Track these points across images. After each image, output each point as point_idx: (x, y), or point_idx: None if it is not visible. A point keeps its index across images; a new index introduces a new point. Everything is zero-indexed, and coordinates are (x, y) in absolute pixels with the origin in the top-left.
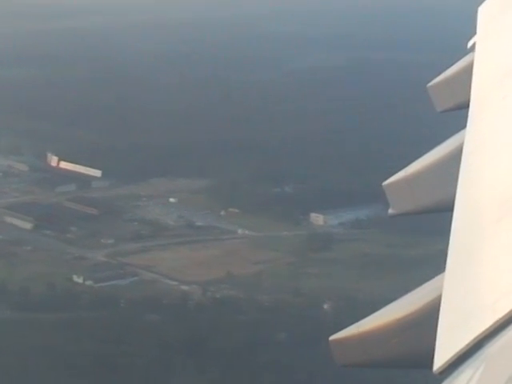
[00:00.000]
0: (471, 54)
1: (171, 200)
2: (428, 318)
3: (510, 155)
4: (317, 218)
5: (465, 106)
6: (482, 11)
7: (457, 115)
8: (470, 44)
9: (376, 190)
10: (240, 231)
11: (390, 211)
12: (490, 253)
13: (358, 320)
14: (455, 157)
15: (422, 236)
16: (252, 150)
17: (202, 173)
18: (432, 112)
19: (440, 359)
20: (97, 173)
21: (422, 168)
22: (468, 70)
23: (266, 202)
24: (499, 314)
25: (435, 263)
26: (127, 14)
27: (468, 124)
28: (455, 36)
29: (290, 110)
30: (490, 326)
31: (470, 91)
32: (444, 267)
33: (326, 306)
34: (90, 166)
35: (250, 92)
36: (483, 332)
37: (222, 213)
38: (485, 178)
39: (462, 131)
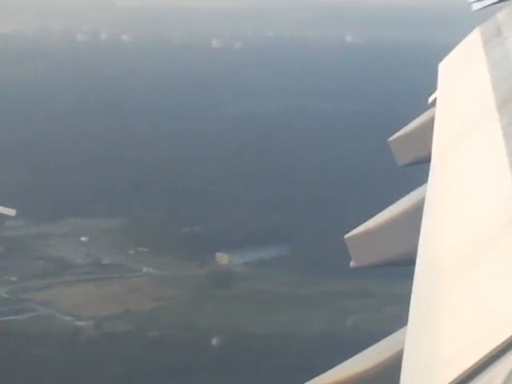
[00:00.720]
0: (432, 109)
1: (82, 239)
2: (390, 372)
3: (470, 210)
4: (222, 258)
5: (426, 160)
6: (443, 67)
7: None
8: (430, 99)
9: (282, 232)
10: (145, 269)
11: (352, 264)
12: (451, 306)
13: (240, 352)
14: (417, 211)
15: (319, 276)
16: (167, 191)
17: (117, 212)
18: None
19: None
20: (11, 212)
21: (383, 221)
22: (429, 125)
23: (174, 242)
24: (461, 368)
25: (321, 300)
26: None
27: (429, 178)
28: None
29: (210, 154)
30: (453, 381)
31: (431, 146)
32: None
33: (214, 341)
34: (4, 205)
35: (173, 137)
36: None
37: (131, 251)
38: (447, 232)
39: (424, 185)
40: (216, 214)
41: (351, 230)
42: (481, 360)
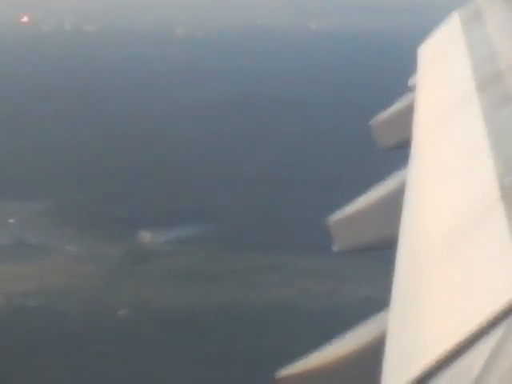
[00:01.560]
0: (412, 92)
1: (10, 221)
2: (372, 355)
3: (450, 194)
4: (145, 236)
5: (407, 144)
6: (422, 51)
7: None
8: (410, 83)
9: (208, 212)
10: (67, 249)
11: (334, 248)
12: (433, 289)
13: (142, 323)
14: (398, 194)
15: (238, 253)
16: (97, 175)
17: (48, 195)
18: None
19: None
20: None
21: (365, 205)
22: (409, 109)
23: (100, 222)
24: (443, 350)
25: (234, 275)
26: None
27: (410, 162)
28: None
29: (147, 138)
30: (436, 362)
31: (411, 130)
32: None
33: (120, 313)
34: None
35: (111, 122)
36: (427, 368)
37: (57, 232)
38: (427, 216)
39: (404, 169)
40: (143, 195)
41: (277, 209)
42: (463, 341)
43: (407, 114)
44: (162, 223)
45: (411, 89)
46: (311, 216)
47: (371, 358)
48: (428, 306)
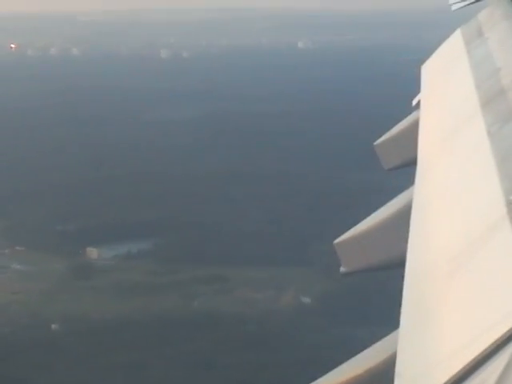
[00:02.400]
0: (417, 111)
1: None
2: (384, 375)
3: (456, 211)
4: (92, 252)
5: (412, 163)
6: (426, 69)
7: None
8: (414, 102)
9: (155, 227)
10: (14, 266)
11: (342, 269)
12: (442, 308)
13: (73, 336)
14: (405, 214)
15: (182, 266)
16: (48, 193)
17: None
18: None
19: None
20: None
21: (371, 226)
22: (414, 128)
23: (50, 239)
24: (454, 369)
25: (176, 287)
26: None
27: (416, 181)
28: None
29: (107, 158)
30: (447, 382)
31: (416, 149)
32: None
33: (53, 326)
34: None
35: (81, 143)
36: None
37: (6, 251)
38: (435, 234)
39: (411, 188)
40: (93, 212)
41: (220, 222)
42: (473, 360)
43: (412, 133)
44: (111, 239)
45: (415, 107)
46: (259, 229)
47: (382, 379)
48: (437, 327)
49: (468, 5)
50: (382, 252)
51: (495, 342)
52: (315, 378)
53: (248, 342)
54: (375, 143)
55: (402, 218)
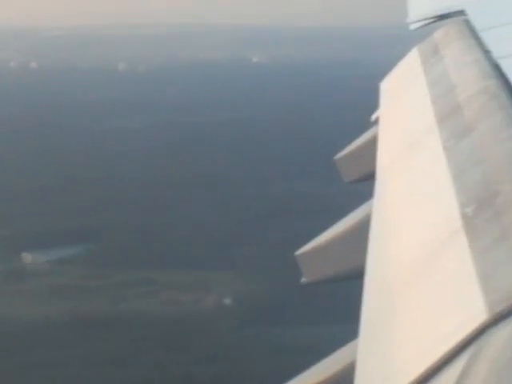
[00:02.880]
0: (375, 127)
1: None
2: (344, 383)
3: (414, 223)
4: (26, 257)
5: (371, 176)
6: (384, 86)
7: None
8: (373, 117)
9: (92, 232)
10: None
11: (303, 280)
12: (401, 317)
13: None
14: (364, 226)
15: (113, 270)
16: None
17: None
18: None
19: None
20: None
21: (331, 238)
22: (372, 142)
23: None
24: (411, 376)
25: (104, 290)
26: None
27: (375, 194)
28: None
29: (48, 165)
30: None
31: (375, 162)
32: None
33: None
34: None
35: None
36: None
37: None
38: (393, 245)
39: (370, 201)
40: (29, 217)
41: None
42: (431, 367)
43: (371, 147)
44: (47, 244)
45: (374, 123)
46: (191, 235)
47: None
48: (396, 334)
49: (426, 25)
50: (341, 263)
51: (451, 349)
52: (212, 376)
53: (162, 342)
54: (335, 157)
55: (362, 230)
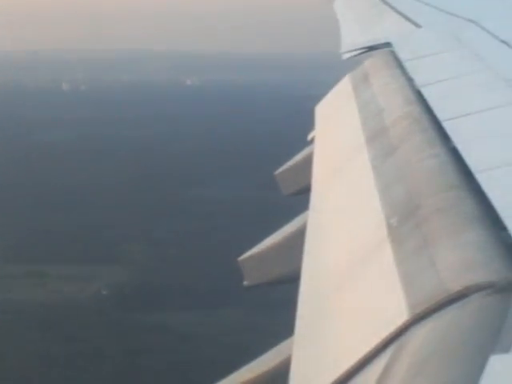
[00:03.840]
0: (311, 145)
1: None
2: (279, 377)
3: (344, 232)
4: None
5: (307, 190)
6: (319, 109)
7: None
8: (309, 137)
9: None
10: None
11: (245, 283)
12: (332, 316)
13: None
14: (300, 234)
15: (5, 264)
16: None
17: None
18: None
19: None
20: None
21: (271, 245)
22: (309, 159)
23: None
24: (340, 370)
25: None
26: None
27: (310, 206)
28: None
29: None
30: (333, 382)
31: (310, 177)
32: None
33: None
34: None
35: None
36: None
37: None
38: (325, 252)
39: (306, 212)
40: None
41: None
42: (358, 362)
43: (307, 164)
44: None
45: (310, 142)
46: (83, 232)
47: (277, 380)
48: (328, 333)
49: (357, 55)
50: (279, 268)
51: (377, 345)
52: (65, 353)
53: (38, 326)
54: (276, 172)
55: (298, 238)
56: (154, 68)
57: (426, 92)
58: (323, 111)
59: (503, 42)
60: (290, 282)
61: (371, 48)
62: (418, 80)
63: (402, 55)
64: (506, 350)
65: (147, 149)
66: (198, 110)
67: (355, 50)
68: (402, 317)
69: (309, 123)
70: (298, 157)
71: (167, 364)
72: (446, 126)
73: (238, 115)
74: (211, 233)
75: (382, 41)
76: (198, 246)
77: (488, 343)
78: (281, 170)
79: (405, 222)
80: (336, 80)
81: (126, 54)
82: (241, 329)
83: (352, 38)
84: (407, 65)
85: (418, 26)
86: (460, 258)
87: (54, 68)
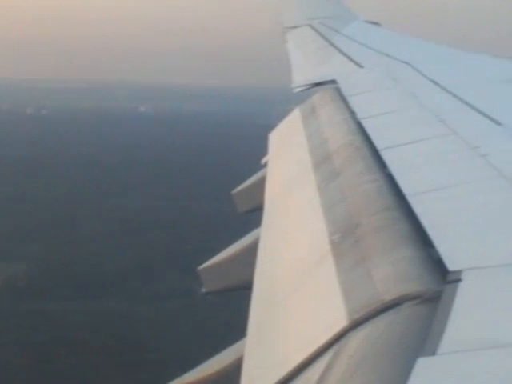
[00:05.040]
0: (265, 168)
1: None
2: (232, 376)
3: (292, 247)
4: None
5: (260, 208)
6: (272, 136)
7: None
8: (263, 161)
9: None
10: None
11: (203, 290)
12: (280, 321)
13: None
14: (254, 246)
15: None
16: None
17: None
18: None
19: None
20: None
21: (227, 256)
22: (262, 181)
23: None
24: (286, 369)
25: None
26: None
27: (263, 223)
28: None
29: None
30: (280, 380)
31: (263, 197)
32: None
33: None
34: None
35: None
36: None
37: None
38: (276, 264)
39: (259, 228)
40: None
41: None
42: (301, 363)
43: (261, 185)
44: None
45: (264, 165)
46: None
47: (230, 378)
48: (276, 336)
49: (306, 89)
50: (235, 276)
51: (318, 349)
52: None
53: None
54: (232, 192)
55: (252, 250)
56: (113, 96)
57: (366, 124)
58: (276, 138)
59: (433, 81)
60: (245, 289)
61: (319, 84)
62: (359, 113)
63: (346, 91)
64: (431, 353)
65: (91, 164)
66: (147, 132)
67: (305, 85)
68: (341, 322)
69: (263, 149)
70: (253, 178)
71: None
72: (383, 154)
73: (187, 137)
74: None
75: (329, 78)
76: (96, 247)
77: (416, 347)
78: (237, 190)
79: (346, 239)
80: (287, 111)
81: (87, 83)
82: (115, 316)
83: (302, 74)
84: (350, 100)
85: (360, 66)
86: (393, 271)
87: (22, 94)
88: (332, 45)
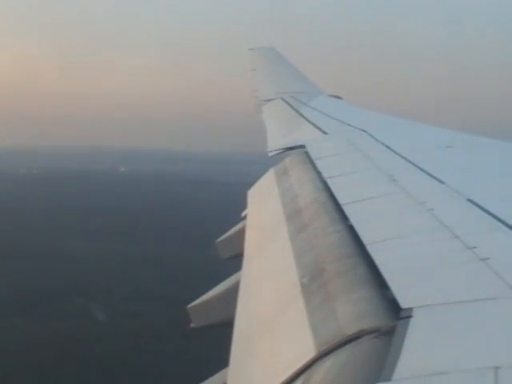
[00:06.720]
0: (244, 220)
1: None
2: None
3: (268, 289)
4: None
5: (240, 254)
6: (250, 193)
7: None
8: (243, 214)
9: None
10: None
11: (192, 325)
12: (256, 354)
13: None
14: (236, 287)
15: None
16: None
17: None
18: None
19: None
20: None
21: (212, 296)
22: (242, 231)
23: None
24: None
25: None
26: None
27: (243, 267)
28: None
29: None
30: None
31: (243, 245)
32: None
33: None
34: None
35: None
36: None
37: None
38: (254, 302)
39: (239, 272)
40: None
41: None
42: None
43: (241, 235)
44: None
45: (243, 218)
46: None
47: None
48: (253, 366)
49: (280, 153)
50: (219, 313)
51: (289, 377)
52: None
53: None
54: (216, 241)
55: (234, 290)
56: (100, 160)
57: (330, 183)
58: (253, 194)
59: (387, 146)
60: (226, 325)
61: (290, 148)
62: (325, 173)
63: (313, 155)
64: (388, 379)
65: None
66: (126, 189)
67: (278, 149)
68: (310, 353)
69: (242, 204)
70: (234, 229)
71: None
72: (345, 208)
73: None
74: None
75: (298, 143)
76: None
77: (375, 373)
78: (220, 239)
79: (314, 281)
80: (263, 172)
81: (74, 148)
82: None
83: (276, 140)
84: (316, 162)
85: (325, 133)
86: (355, 309)
87: (16, 156)
88: (301, 115)
